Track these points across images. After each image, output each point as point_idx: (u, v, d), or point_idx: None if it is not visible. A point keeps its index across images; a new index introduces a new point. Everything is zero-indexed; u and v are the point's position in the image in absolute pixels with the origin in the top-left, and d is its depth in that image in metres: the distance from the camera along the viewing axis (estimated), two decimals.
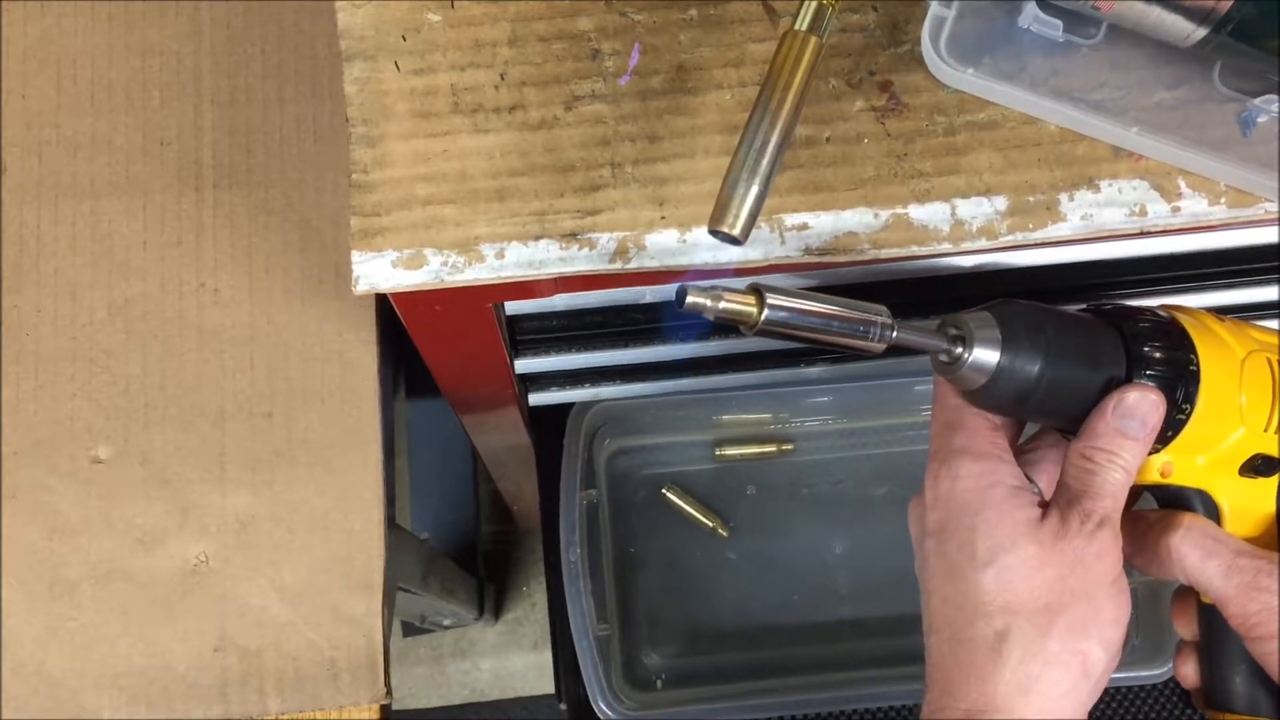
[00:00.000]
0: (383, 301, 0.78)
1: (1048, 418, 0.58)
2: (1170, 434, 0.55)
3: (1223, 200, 0.57)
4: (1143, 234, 0.57)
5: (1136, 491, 0.57)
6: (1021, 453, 0.59)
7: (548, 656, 1.03)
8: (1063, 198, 0.56)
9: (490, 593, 1.50)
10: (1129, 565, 0.56)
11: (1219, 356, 0.55)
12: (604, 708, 0.87)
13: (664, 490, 0.99)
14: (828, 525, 0.99)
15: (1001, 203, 0.56)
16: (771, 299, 0.49)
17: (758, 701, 0.91)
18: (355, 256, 0.55)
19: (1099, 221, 0.56)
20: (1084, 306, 0.57)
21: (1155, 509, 0.59)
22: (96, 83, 0.81)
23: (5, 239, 0.79)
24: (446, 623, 1.46)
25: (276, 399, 0.77)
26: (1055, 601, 0.53)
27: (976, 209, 0.56)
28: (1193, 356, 0.54)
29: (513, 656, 1.53)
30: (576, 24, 0.57)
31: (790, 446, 1.00)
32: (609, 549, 0.98)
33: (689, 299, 0.49)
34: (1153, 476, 0.57)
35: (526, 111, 0.56)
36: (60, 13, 0.82)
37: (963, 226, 0.56)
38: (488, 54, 0.57)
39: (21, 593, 0.75)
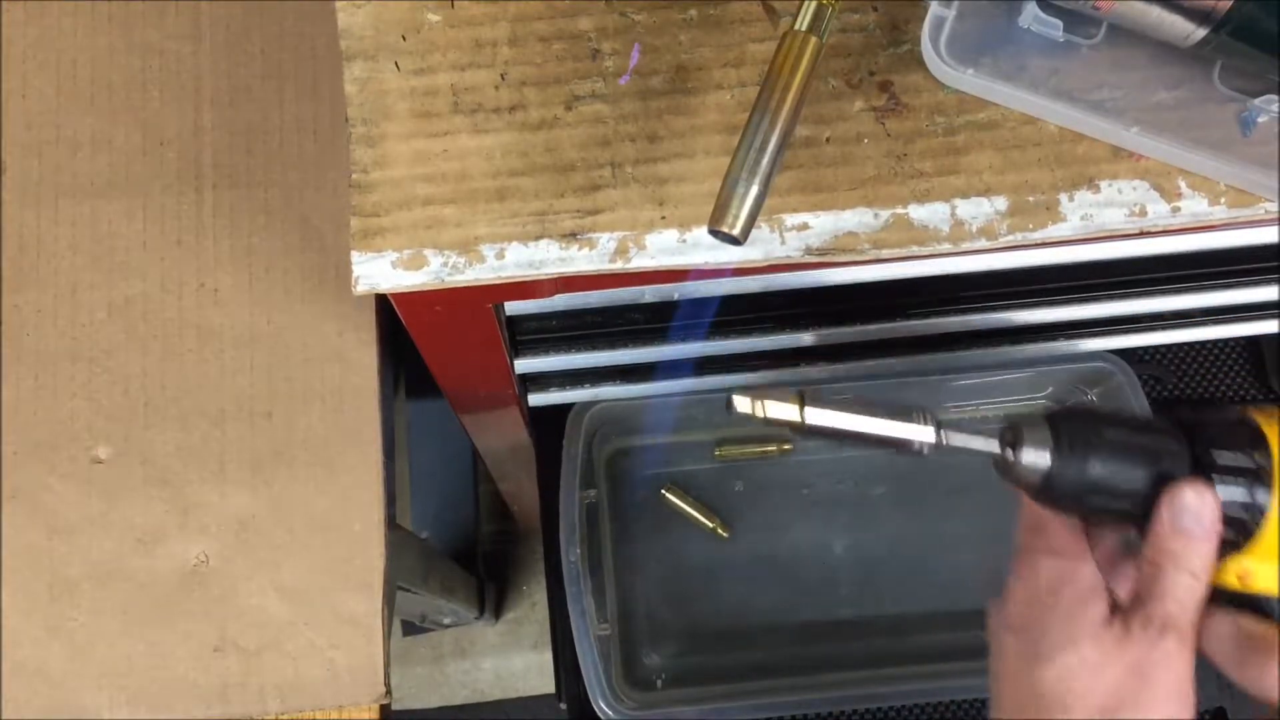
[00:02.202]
0: (383, 301, 0.78)
1: (1115, 518, 0.57)
2: (1242, 538, 0.54)
3: (1223, 200, 0.57)
4: (1143, 234, 0.57)
5: (1235, 596, 0.56)
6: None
7: (548, 656, 1.04)
8: (1063, 198, 0.56)
9: (490, 592, 1.50)
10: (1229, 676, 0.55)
11: None
12: (604, 708, 0.87)
13: (664, 490, 0.99)
14: (828, 525, 1.00)
15: (1001, 203, 0.56)
16: (813, 416, 0.52)
17: (757, 701, 0.91)
18: (355, 257, 0.55)
19: (1099, 221, 0.56)
20: (1164, 413, 0.57)
21: (1267, 620, 0.57)
22: (96, 83, 0.81)
23: (5, 239, 0.79)
24: (446, 622, 1.46)
25: (276, 399, 0.77)
26: (1111, 704, 0.52)
27: (976, 209, 0.56)
28: (1261, 458, 0.53)
29: (513, 656, 1.53)
30: (576, 24, 0.57)
31: (790, 446, 1.00)
32: (609, 549, 0.98)
33: (736, 408, 0.52)
34: (1229, 581, 0.55)
35: (526, 111, 0.56)
36: (60, 13, 0.82)
37: (963, 226, 0.56)
38: (488, 54, 0.57)
39: (21, 593, 0.75)
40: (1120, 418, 0.55)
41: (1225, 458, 0.54)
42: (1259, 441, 0.54)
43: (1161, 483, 0.54)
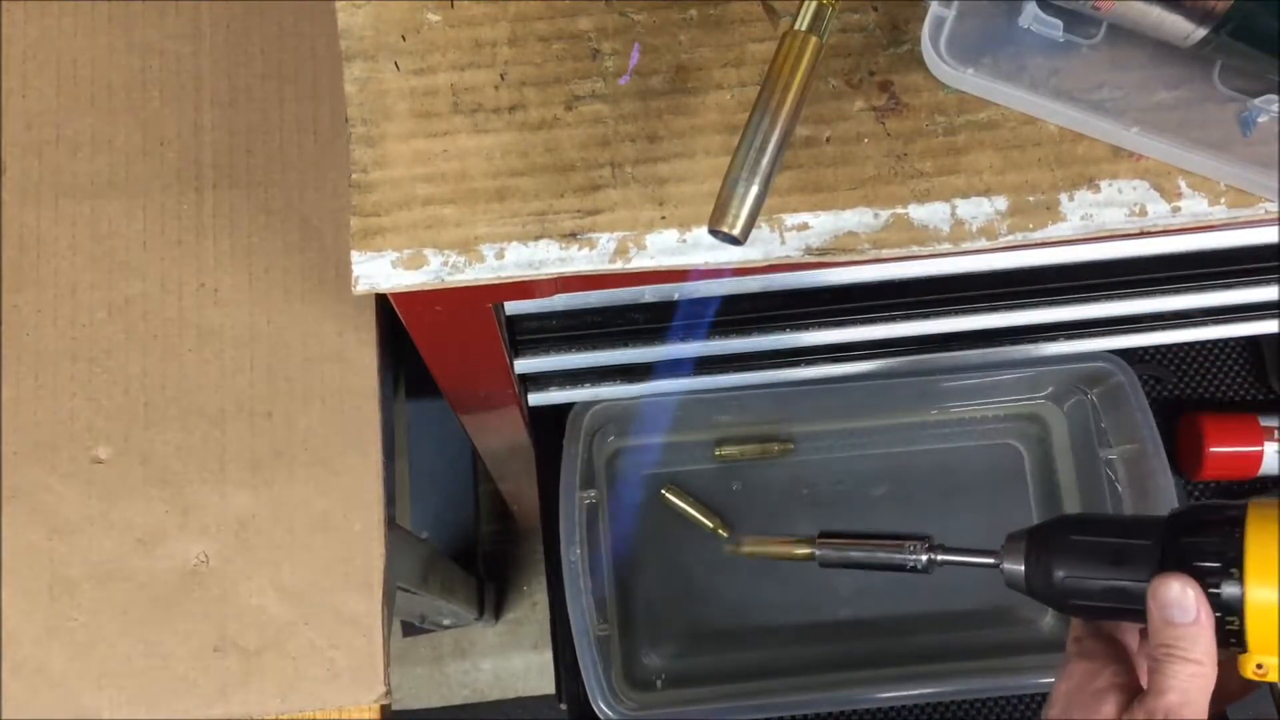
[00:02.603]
0: (383, 301, 0.78)
1: (1112, 616, 0.61)
2: (1236, 631, 0.55)
3: (1223, 200, 0.57)
4: (1143, 234, 0.57)
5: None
6: None
7: (548, 656, 1.04)
8: (1063, 198, 0.56)
9: (490, 593, 1.50)
10: None
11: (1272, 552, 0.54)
12: (604, 708, 0.87)
13: (664, 490, 0.99)
14: (827, 525, 0.99)
15: (1001, 203, 0.56)
16: (821, 552, 0.66)
17: (757, 702, 0.91)
18: (355, 256, 0.55)
19: (1099, 221, 0.56)
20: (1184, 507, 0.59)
21: None
22: (96, 83, 0.81)
23: (5, 239, 0.79)
24: (446, 623, 1.46)
25: (276, 399, 0.77)
26: None
27: (976, 209, 0.56)
28: (1230, 553, 0.54)
29: (513, 656, 1.53)
30: (576, 24, 0.57)
31: (790, 446, 1.00)
32: (609, 549, 0.98)
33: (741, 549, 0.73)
34: (1252, 674, 0.56)
35: (526, 111, 0.56)
36: (60, 13, 0.82)
37: (963, 226, 0.56)
38: (488, 54, 0.57)
39: (21, 593, 0.75)
40: (1101, 523, 0.60)
41: (1192, 555, 0.55)
42: (1230, 537, 0.55)
43: (1141, 580, 0.56)
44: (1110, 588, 0.57)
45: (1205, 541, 0.55)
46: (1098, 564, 0.58)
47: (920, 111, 0.57)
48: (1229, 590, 0.54)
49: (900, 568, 0.64)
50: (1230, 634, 0.54)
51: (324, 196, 0.80)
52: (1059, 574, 0.58)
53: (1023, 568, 0.60)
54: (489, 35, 0.57)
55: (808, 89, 0.52)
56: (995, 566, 0.61)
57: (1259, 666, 0.55)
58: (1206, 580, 0.54)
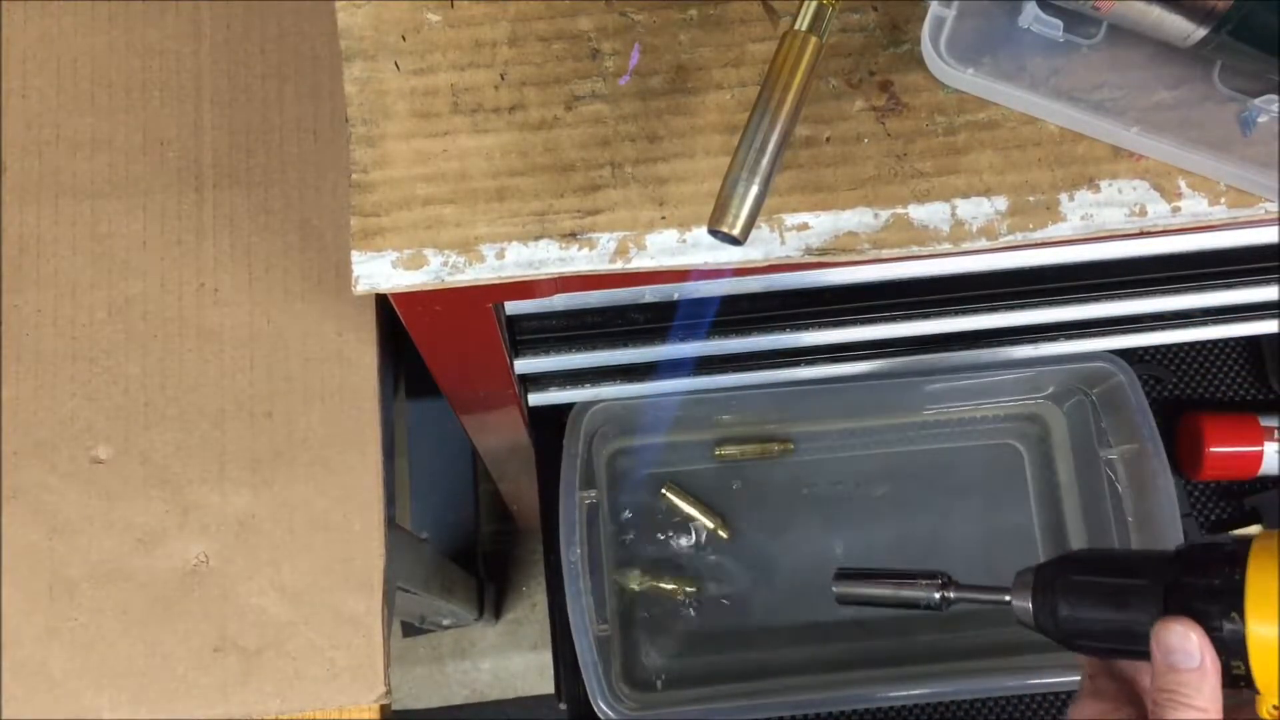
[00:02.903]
0: (383, 301, 0.78)
1: (1122, 657, 0.60)
2: (1244, 674, 0.53)
3: (1223, 200, 0.57)
4: (1143, 234, 0.57)
5: None
6: None
7: (548, 656, 1.04)
8: (1063, 198, 0.56)
9: (490, 593, 1.50)
10: None
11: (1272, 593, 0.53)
12: (604, 708, 0.87)
13: (664, 490, 0.99)
14: (828, 525, 1.00)
15: (1001, 203, 0.56)
16: (839, 589, 0.65)
17: (757, 702, 0.91)
18: (355, 256, 0.55)
19: (1099, 221, 0.56)
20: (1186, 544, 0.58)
21: None
22: (96, 83, 0.81)
23: (5, 239, 0.79)
24: (446, 623, 1.46)
25: (276, 399, 0.77)
26: None
27: (976, 209, 0.56)
28: (1229, 592, 0.53)
29: (513, 656, 1.53)
30: (576, 24, 0.57)
31: (790, 446, 1.00)
32: (609, 549, 0.98)
33: None
34: (1267, 715, 0.54)
35: (526, 111, 0.56)
36: (60, 13, 0.82)
37: (963, 226, 0.56)
38: (488, 54, 0.57)
39: (21, 593, 0.75)
40: (1101, 562, 0.59)
41: (1193, 596, 0.54)
42: (1230, 577, 0.53)
43: (1144, 622, 0.55)
44: (1113, 629, 0.57)
45: (1205, 582, 0.54)
46: (1100, 605, 0.57)
47: (920, 111, 0.57)
48: (1231, 632, 0.52)
49: (915, 605, 0.64)
50: (1238, 677, 0.53)
51: (324, 196, 0.80)
52: (1063, 614, 0.58)
53: (1029, 602, 0.60)
54: (489, 35, 0.57)
55: (808, 89, 0.52)
56: (1007, 604, 0.61)
57: (1275, 707, 0.53)
58: (1209, 623, 0.53)
